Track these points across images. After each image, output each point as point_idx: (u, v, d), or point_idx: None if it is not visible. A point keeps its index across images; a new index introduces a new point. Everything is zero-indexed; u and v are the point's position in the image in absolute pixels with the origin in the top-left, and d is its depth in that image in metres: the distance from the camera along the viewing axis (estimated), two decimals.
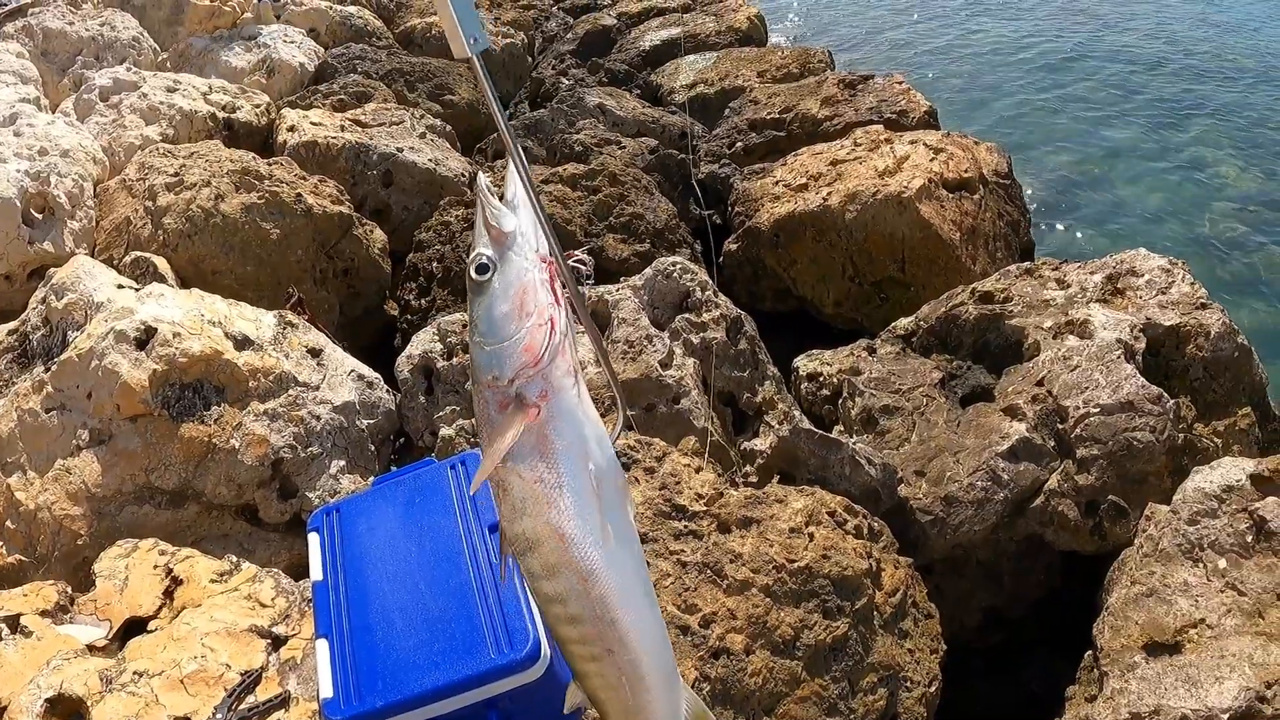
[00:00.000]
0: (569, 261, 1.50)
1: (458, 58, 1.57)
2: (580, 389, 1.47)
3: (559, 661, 2.13)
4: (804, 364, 3.93)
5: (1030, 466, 3.20)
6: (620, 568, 1.51)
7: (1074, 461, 3.18)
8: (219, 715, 2.31)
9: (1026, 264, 4.03)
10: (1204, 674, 2.41)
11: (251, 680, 2.39)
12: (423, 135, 5.48)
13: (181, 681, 2.40)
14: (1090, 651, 2.70)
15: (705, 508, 2.79)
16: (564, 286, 1.51)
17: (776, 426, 3.46)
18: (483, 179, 1.52)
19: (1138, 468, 3.15)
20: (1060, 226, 7.06)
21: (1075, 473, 3.16)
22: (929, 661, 2.79)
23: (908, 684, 2.70)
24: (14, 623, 2.61)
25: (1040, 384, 3.36)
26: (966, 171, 4.75)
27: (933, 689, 2.74)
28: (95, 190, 4.63)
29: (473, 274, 1.46)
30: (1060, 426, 3.24)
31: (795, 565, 2.66)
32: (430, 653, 2.00)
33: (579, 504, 1.45)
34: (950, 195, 4.64)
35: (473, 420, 3.57)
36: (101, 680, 2.42)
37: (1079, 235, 6.92)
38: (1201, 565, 2.69)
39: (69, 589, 2.79)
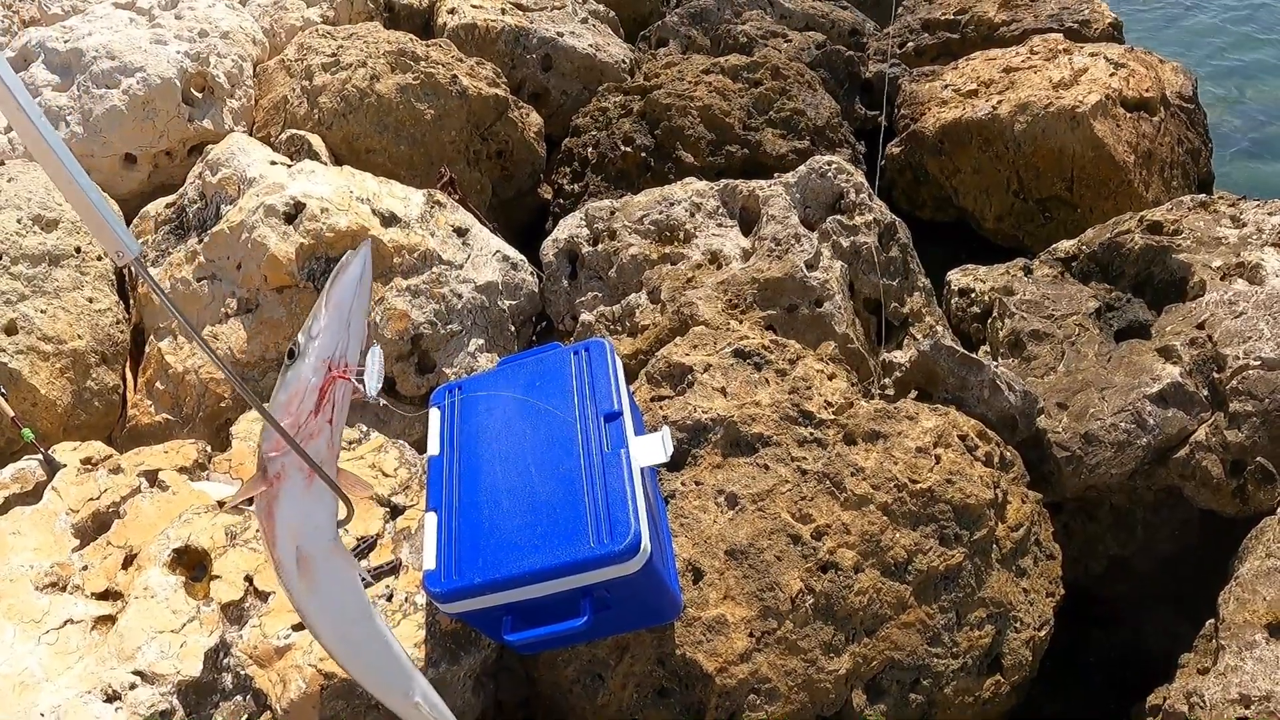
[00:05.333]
0: (347, 376, 1.74)
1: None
2: (312, 485, 1.78)
3: (659, 557, 2.13)
4: (957, 278, 3.80)
5: (1179, 414, 3.00)
6: (327, 617, 1.94)
7: (1226, 415, 2.96)
8: None
9: (1202, 196, 3.74)
10: None
11: (366, 546, 2.47)
12: (584, 20, 5.40)
13: None
14: (1212, 621, 2.55)
15: (833, 416, 2.72)
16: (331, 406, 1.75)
17: (920, 340, 3.34)
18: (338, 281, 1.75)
19: None
20: (1244, 161, 6.51)
21: (1225, 427, 2.95)
22: (1043, 604, 2.68)
23: (1017, 624, 2.60)
24: (153, 477, 2.73)
25: (1201, 327, 3.13)
26: (1148, 91, 4.41)
27: (1042, 633, 2.64)
28: (255, 70, 4.74)
29: (285, 355, 1.75)
30: (1216, 376, 3.02)
31: (917, 486, 2.58)
32: (532, 535, 2.02)
33: (285, 561, 1.85)
34: (1128, 114, 4.34)
35: (612, 308, 3.57)
36: (226, 535, 2.53)
37: (1264, 172, 6.37)
38: None
39: (208, 448, 2.90)
